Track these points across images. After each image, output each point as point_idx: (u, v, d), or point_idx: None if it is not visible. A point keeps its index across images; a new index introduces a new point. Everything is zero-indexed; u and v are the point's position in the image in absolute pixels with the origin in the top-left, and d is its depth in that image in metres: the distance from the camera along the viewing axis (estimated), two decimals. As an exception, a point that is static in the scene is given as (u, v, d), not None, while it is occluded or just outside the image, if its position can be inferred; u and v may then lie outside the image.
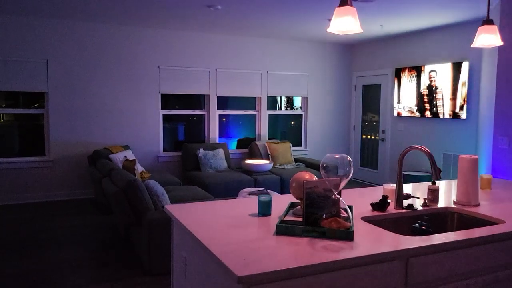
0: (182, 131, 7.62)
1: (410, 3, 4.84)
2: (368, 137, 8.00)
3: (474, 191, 2.44)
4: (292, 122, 8.28)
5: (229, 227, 1.96)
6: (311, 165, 6.94)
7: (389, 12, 5.33)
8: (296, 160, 7.32)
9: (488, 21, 2.58)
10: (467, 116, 5.99)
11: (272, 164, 6.61)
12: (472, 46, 2.71)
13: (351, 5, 2.09)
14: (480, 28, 2.62)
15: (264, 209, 2.17)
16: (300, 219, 2.08)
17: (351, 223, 1.87)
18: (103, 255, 4.03)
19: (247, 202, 2.47)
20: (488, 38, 2.56)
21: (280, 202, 2.44)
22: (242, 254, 1.61)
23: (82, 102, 6.33)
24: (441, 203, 2.48)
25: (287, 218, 2.11)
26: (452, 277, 1.85)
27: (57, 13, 5.60)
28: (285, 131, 8.25)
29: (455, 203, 2.49)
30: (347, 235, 1.79)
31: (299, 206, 2.22)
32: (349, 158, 1.87)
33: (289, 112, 8.15)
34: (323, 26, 6.32)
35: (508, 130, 4.59)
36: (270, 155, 7.00)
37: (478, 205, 2.44)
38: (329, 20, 5.80)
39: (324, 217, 1.89)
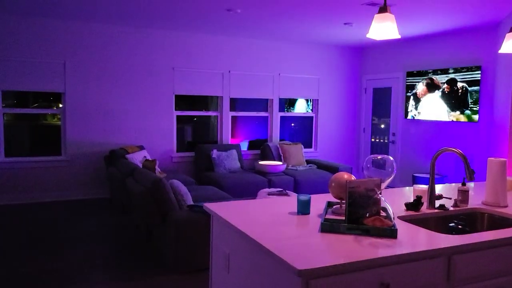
0: (189, 132, 7.72)
1: (423, 7, 4.92)
2: (378, 140, 8.08)
3: (503, 192, 2.51)
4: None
5: (273, 224, 2.04)
6: (323, 167, 7.02)
7: (401, 16, 5.41)
8: (307, 162, 7.39)
9: (516, 28, 2.66)
10: (479, 119, 6.06)
11: (285, 166, 6.69)
12: (499, 51, 2.79)
13: (390, 12, 2.17)
14: (508, 34, 2.69)
15: (304, 208, 2.24)
16: (340, 218, 2.15)
17: (393, 221, 1.95)
18: (125, 255, 4.09)
19: (280, 201, 2.54)
20: (516, 44, 2.64)
21: (315, 202, 2.51)
22: (294, 249, 1.68)
23: (98, 102, 6.41)
24: (470, 204, 2.55)
25: (327, 216, 2.19)
26: (490, 274, 1.92)
27: (74, 15, 5.68)
28: (292, 133, 8.34)
29: (483, 203, 2.56)
30: (391, 233, 1.86)
31: (338, 205, 2.29)
32: (392, 158, 1.94)
33: (300, 114, 8.23)
34: (339, 30, 6.40)
35: (523, 134, 4.66)
36: (282, 157, 7.07)
37: (506, 206, 2.51)
38: (346, 24, 5.89)
39: (367, 215, 1.96)
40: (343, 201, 2.21)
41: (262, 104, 7.77)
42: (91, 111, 6.37)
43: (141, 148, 6.39)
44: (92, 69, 6.33)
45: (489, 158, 2.57)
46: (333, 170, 6.77)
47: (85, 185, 6.41)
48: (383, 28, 2.18)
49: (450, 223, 2.19)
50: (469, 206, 2.50)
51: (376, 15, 2.18)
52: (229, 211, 2.27)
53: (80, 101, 6.30)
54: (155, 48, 6.68)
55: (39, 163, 6.14)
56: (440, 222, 2.36)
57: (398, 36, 2.19)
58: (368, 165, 1.93)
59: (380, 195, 1.96)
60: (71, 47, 6.17)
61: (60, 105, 6.30)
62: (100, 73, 6.39)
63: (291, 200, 2.55)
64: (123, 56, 6.50)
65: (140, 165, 5.52)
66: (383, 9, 2.16)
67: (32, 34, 5.94)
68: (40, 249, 4.19)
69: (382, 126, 7.96)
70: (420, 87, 6.93)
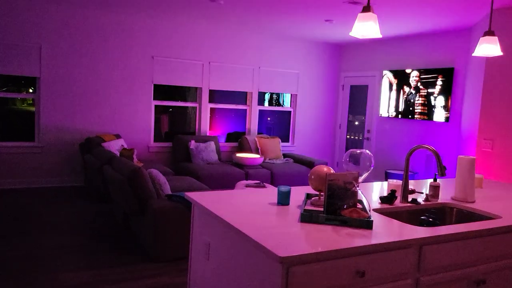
0: (165, 122, 7.68)
1: (400, 9, 5.05)
2: (353, 136, 8.25)
3: (471, 188, 2.65)
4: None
5: (254, 214, 2.10)
6: (299, 161, 7.13)
7: (378, 17, 5.54)
8: (284, 155, 7.49)
9: (489, 32, 2.79)
10: (450, 119, 6.28)
11: (262, 159, 6.76)
12: (473, 54, 2.92)
13: (373, 12, 2.24)
14: (482, 38, 2.82)
15: (284, 199, 2.31)
16: (318, 209, 2.23)
17: (369, 213, 2.04)
18: (102, 243, 4.08)
19: (259, 192, 2.60)
20: (489, 48, 2.77)
21: (293, 193, 2.58)
22: (276, 238, 1.75)
23: (74, 89, 6.30)
24: (440, 199, 2.68)
25: (306, 207, 2.26)
26: (457, 265, 2.04)
27: (54, -2, 5.56)
28: (270, 127, 8.42)
29: (453, 199, 2.69)
30: (367, 224, 1.95)
31: (316, 197, 2.36)
32: (370, 153, 2.03)
33: (279, 108, 8.30)
34: (320, 27, 6.49)
35: (492, 134, 4.88)
36: (259, 150, 7.14)
37: (474, 201, 2.65)
38: (327, 21, 5.97)
39: (344, 207, 2.04)
40: (322, 193, 2.29)
41: (241, 96, 7.80)
42: (67, 97, 6.26)
43: (118, 136, 6.33)
44: (69, 54, 6.21)
45: (459, 156, 2.70)
46: (309, 164, 6.89)
47: (59, 173, 6.31)
48: (366, 27, 2.25)
49: (421, 216, 2.31)
50: (439, 201, 2.63)
51: (359, 14, 2.25)
52: (210, 200, 2.31)
53: (55, 87, 6.17)
54: (135, 35, 6.61)
55: (12, 149, 6.00)
56: (412, 215, 2.47)
57: (380, 36, 2.27)
58: (347, 159, 2.01)
59: (357, 188, 2.05)
60: (47, 32, 6.03)
61: (31, 90, 6.14)
62: (77, 59, 6.27)
63: (270, 192, 2.61)
64: (101, 42, 6.39)
65: (117, 154, 5.48)
66: (366, 9, 2.24)
67: (7, 17, 5.77)
68: (13, 237, 4.12)
69: (358, 123, 8.13)
70: (395, 86, 7.11)
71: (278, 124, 8.37)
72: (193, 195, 2.40)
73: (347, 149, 8.36)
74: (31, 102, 6.18)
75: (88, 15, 6.26)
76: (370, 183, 3.08)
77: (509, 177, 4.69)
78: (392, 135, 7.34)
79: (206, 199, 2.34)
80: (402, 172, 6.70)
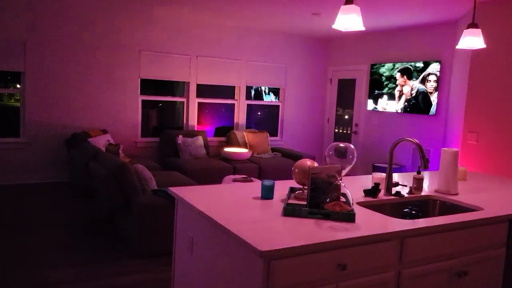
0: (154, 117, 7.61)
1: (388, 1, 5.06)
2: (341, 130, 8.27)
3: (454, 181, 2.67)
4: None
5: (237, 208, 2.09)
6: (287, 155, 7.13)
7: (365, 10, 5.54)
8: (272, 150, 7.48)
9: (473, 25, 2.80)
10: (436, 112, 6.32)
11: (250, 153, 6.75)
12: (457, 47, 2.93)
13: (356, 4, 2.23)
14: (465, 31, 2.83)
15: (267, 193, 2.30)
16: (301, 203, 2.23)
17: (351, 207, 2.04)
18: (88, 238, 4.04)
19: (244, 186, 2.59)
20: (472, 41, 2.78)
21: (277, 187, 2.58)
22: (257, 232, 1.74)
23: (60, 84, 6.21)
24: (424, 191, 2.70)
25: (290, 201, 2.25)
26: (440, 256, 2.06)
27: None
28: (258, 121, 8.40)
29: (436, 191, 2.71)
30: (350, 217, 1.95)
31: (300, 191, 2.36)
32: (353, 147, 2.03)
33: (267, 102, 8.28)
34: (308, 20, 6.47)
35: (477, 127, 4.92)
36: (248, 144, 7.12)
37: (457, 194, 2.67)
38: (314, 14, 5.96)
39: (327, 201, 2.04)
40: (305, 187, 2.29)
41: (230, 91, 7.76)
42: (52, 92, 6.17)
43: (105, 132, 6.26)
44: (54, 49, 6.11)
45: (442, 149, 2.72)
46: (297, 158, 6.89)
47: (45, 168, 6.23)
48: (349, 20, 2.24)
49: (404, 209, 2.32)
50: (423, 194, 2.64)
51: (342, 7, 2.24)
52: (194, 195, 2.29)
53: (41, 82, 6.08)
54: (121, 29, 6.52)
55: (-4, 145, 5.92)
56: (395, 208, 2.48)
57: (363, 28, 2.26)
58: (330, 152, 2.00)
59: (340, 182, 2.05)
60: (32, 26, 5.93)
61: (18, 86, 6.06)
62: (63, 53, 6.18)
63: (255, 186, 2.60)
64: (87, 36, 6.30)
65: (103, 149, 5.43)
66: (349, 1, 2.23)
67: (-11, 10, 5.66)
68: (-3, 233, 4.07)
69: (346, 116, 8.15)
70: (382, 79, 7.13)
71: (267, 118, 8.36)
72: (176, 190, 2.38)
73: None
74: (18, 97, 6.08)
75: (73, 8, 6.15)
76: (356, 176, 3.09)
77: (493, 169, 4.75)
78: (379, 129, 7.37)
79: (189, 193, 2.32)
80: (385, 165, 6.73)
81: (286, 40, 7.99)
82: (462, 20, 5.62)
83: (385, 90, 7.11)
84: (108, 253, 3.70)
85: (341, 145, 2.02)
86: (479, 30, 2.79)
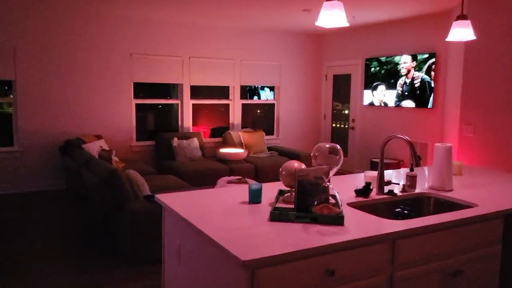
0: (151, 120, 7.54)
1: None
2: (338, 126, 8.20)
3: (448, 177, 2.60)
4: (258, 111, 8.36)
5: (223, 214, 2.03)
6: (284, 154, 7.07)
7: (357, 3, 5.47)
8: (269, 148, 7.42)
9: (462, 16, 2.73)
10: (433, 105, 6.25)
11: (246, 153, 6.69)
12: (446, 39, 2.86)
13: (339, 0, 2.17)
14: (454, 22, 2.76)
15: (255, 197, 2.24)
16: (290, 206, 2.17)
17: (340, 208, 1.98)
18: (82, 245, 3.99)
19: (233, 190, 2.53)
20: (462, 33, 2.71)
21: (267, 190, 2.52)
22: (242, 240, 1.68)
23: (52, 90, 6.15)
24: (418, 189, 2.63)
25: (278, 205, 2.19)
26: (433, 256, 1.99)
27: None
28: (254, 120, 8.32)
29: (430, 188, 2.64)
30: (338, 220, 1.89)
31: (289, 194, 2.30)
32: (339, 147, 1.97)
33: (262, 101, 8.22)
34: (299, 17, 6.39)
35: (473, 119, 4.86)
36: (244, 144, 7.06)
37: (452, 190, 2.61)
38: (305, 10, 5.88)
39: (315, 203, 1.98)
40: (293, 189, 2.23)
41: (225, 91, 7.69)
42: (45, 100, 6.11)
43: (99, 137, 6.21)
44: (45, 55, 6.05)
45: (435, 144, 2.66)
46: (294, 157, 6.83)
47: (40, 177, 6.18)
48: (332, 16, 2.18)
49: (396, 209, 2.26)
50: (416, 191, 2.58)
51: (324, 3, 2.18)
52: (180, 202, 2.24)
53: (32, 89, 6.02)
54: (112, 33, 6.46)
55: (-11, 155, 5.86)
56: (388, 207, 2.42)
57: (347, 24, 2.19)
58: (317, 154, 1.94)
59: (328, 183, 1.98)
60: (21, 32, 5.87)
61: (11, 95, 6.00)
62: (54, 59, 6.11)
63: (243, 190, 2.54)
64: (78, 41, 6.24)
65: (97, 156, 5.37)
66: (331, -3, 2.16)
67: (-24, 18, 5.61)
68: (-10, 245, 4.02)
69: (343, 112, 8.08)
70: (378, 73, 7.06)
71: (262, 117, 8.29)
72: (162, 197, 2.32)
73: (332, 139, 8.32)
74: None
75: (61, 13, 6.09)
76: (347, 176, 3.03)
77: (490, 163, 4.68)
78: (376, 124, 7.30)
79: (175, 200, 2.26)
80: (386, 161, 6.67)
81: (279, 37, 7.92)
82: (454, 11, 5.54)
83: (380, 84, 7.04)
84: (103, 261, 3.65)
85: (327, 145, 1.96)
86: (468, 22, 2.72)
